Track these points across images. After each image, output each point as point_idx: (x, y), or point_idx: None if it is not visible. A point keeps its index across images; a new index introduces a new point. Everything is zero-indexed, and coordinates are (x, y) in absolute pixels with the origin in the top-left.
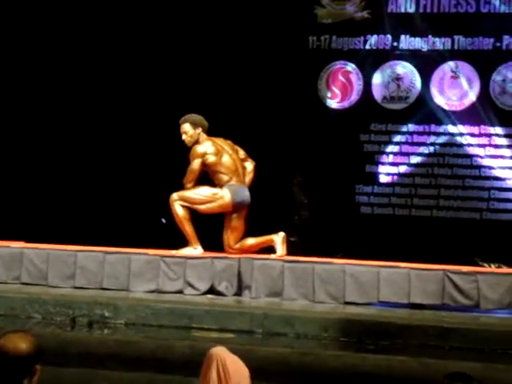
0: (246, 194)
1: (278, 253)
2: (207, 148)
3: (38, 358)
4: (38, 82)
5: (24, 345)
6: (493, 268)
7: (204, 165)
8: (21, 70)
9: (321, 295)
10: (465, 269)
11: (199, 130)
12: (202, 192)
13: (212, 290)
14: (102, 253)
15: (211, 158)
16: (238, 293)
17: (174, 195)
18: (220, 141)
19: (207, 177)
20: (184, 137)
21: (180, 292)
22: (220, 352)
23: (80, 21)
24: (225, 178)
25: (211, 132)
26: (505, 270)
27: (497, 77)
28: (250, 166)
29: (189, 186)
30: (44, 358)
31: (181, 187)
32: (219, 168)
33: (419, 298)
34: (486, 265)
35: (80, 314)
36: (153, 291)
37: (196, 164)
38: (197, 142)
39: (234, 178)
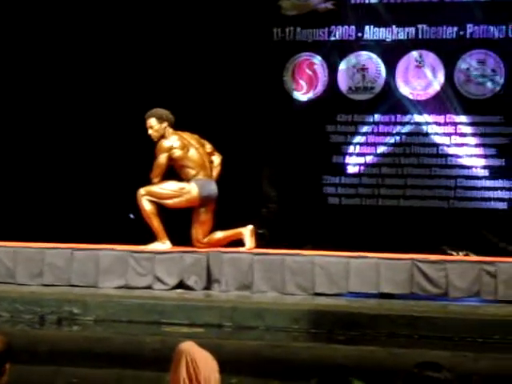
0: (213, 188)
1: (247, 246)
2: (173, 142)
3: (7, 356)
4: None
5: None
6: (461, 256)
7: (170, 159)
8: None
9: (291, 287)
10: (433, 257)
11: (165, 125)
12: (169, 187)
13: (181, 285)
14: (69, 249)
15: (178, 153)
16: (208, 287)
17: (141, 190)
18: (186, 135)
19: (174, 171)
20: (150, 131)
21: (149, 287)
22: (189, 347)
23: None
24: (192, 172)
25: (177, 126)
26: (473, 258)
27: (461, 65)
28: (217, 159)
29: (156, 180)
30: (13, 357)
31: (148, 182)
32: (186, 162)
33: (388, 287)
34: (454, 253)
35: (49, 311)
36: (122, 287)
37: (162, 158)
38: (163, 136)
39: (200, 172)
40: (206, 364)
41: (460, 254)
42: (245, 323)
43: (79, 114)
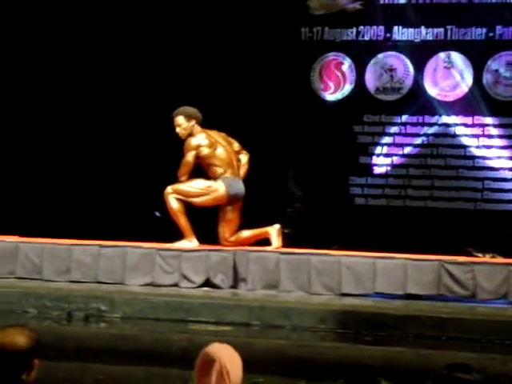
0: (240, 187)
1: (274, 245)
2: (201, 140)
3: (35, 352)
4: (27, 72)
5: (22, 340)
6: (488, 258)
7: (198, 157)
8: (14, 62)
9: (317, 287)
10: (461, 259)
11: (193, 123)
12: (197, 185)
13: (208, 283)
14: (97, 246)
15: (205, 151)
16: (234, 285)
17: (169, 188)
18: (214, 133)
19: (202, 170)
20: (178, 129)
21: (175, 285)
22: (219, 352)
23: (75, 13)
24: (219, 170)
25: (205, 124)
26: (501, 260)
27: (490, 67)
28: (244, 158)
29: (183, 178)
30: (40, 353)
31: (175, 180)
32: (213, 160)
33: (415, 288)
34: (480, 255)
35: (76, 308)
36: (148, 284)
37: (190, 157)
38: (191, 134)
39: (228, 171)
40: (236, 367)
41: (486, 256)
42: (272, 322)
43: (111, 112)
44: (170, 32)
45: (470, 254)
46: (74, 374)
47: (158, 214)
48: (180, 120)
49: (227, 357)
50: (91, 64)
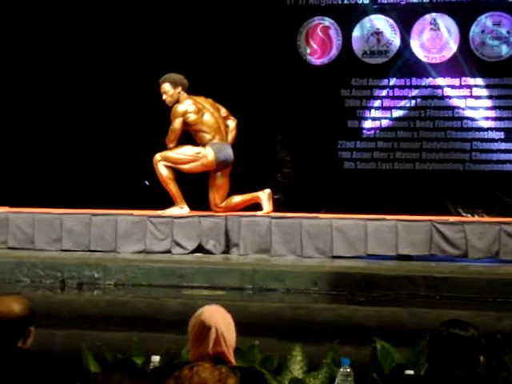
0: (229, 152)
1: (265, 209)
2: (188, 107)
3: (31, 320)
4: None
5: (17, 307)
6: (479, 217)
7: (185, 124)
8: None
9: (309, 250)
10: (452, 219)
11: (179, 89)
12: (185, 151)
13: (200, 249)
14: (88, 215)
15: (192, 117)
16: (226, 251)
17: (157, 156)
18: (201, 99)
19: (190, 136)
20: (164, 96)
21: (168, 252)
22: (214, 319)
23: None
24: (207, 136)
25: (192, 91)
26: (491, 218)
27: (476, 28)
28: (232, 123)
29: (171, 145)
30: (36, 321)
31: (163, 147)
32: (201, 127)
33: (407, 249)
34: (469, 215)
35: (69, 276)
36: (141, 252)
37: (177, 123)
38: (177, 101)
39: (216, 137)
40: (231, 331)
41: (476, 216)
42: (265, 286)
43: (97, 82)
44: (159, 2)
45: (459, 215)
46: (70, 340)
47: (147, 182)
48: (166, 87)
49: (222, 322)
50: (81, 37)
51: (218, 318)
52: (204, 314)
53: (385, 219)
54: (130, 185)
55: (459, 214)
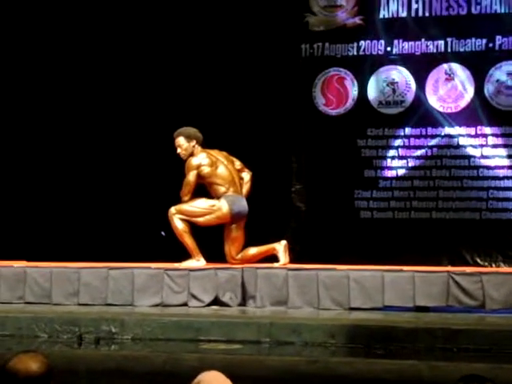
0: (243, 204)
1: (281, 261)
2: (202, 159)
3: (49, 377)
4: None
5: (35, 365)
6: (496, 268)
7: (200, 177)
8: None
9: (326, 302)
10: (469, 269)
11: (193, 143)
12: (200, 204)
13: (216, 302)
14: (105, 269)
15: (206, 169)
16: (243, 303)
17: (172, 209)
18: (215, 152)
19: (205, 189)
20: (179, 150)
21: (185, 305)
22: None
23: (85, 30)
24: (221, 189)
25: (206, 144)
26: (509, 269)
27: (491, 77)
28: (246, 176)
29: (186, 198)
30: (54, 377)
31: (178, 200)
32: (215, 179)
33: (424, 300)
34: (486, 264)
35: (86, 330)
36: (157, 305)
37: (191, 176)
38: (192, 154)
39: (230, 189)
40: None
41: (493, 265)
42: (282, 339)
43: (112, 135)
44: (172, 52)
45: (477, 264)
46: None
47: (163, 233)
48: (181, 141)
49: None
50: (93, 86)
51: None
52: (202, 382)
53: (402, 270)
54: (146, 237)
55: (476, 263)
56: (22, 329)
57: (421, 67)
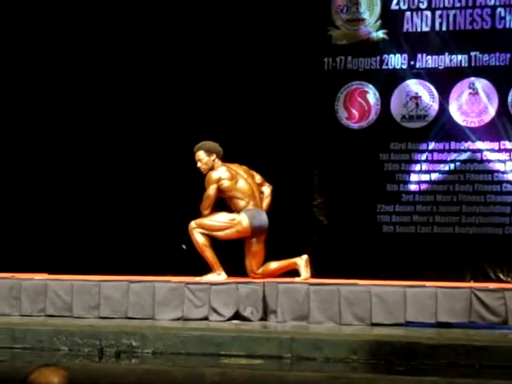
0: (263, 218)
1: (303, 276)
2: (221, 173)
3: None
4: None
5: (56, 379)
6: None
7: (220, 190)
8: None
9: (347, 317)
10: (492, 286)
11: (214, 157)
12: (220, 218)
13: (237, 316)
14: (126, 282)
15: (226, 183)
16: (264, 318)
17: (192, 223)
18: (235, 166)
19: (225, 203)
20: (199, 164)
21: (205, 319)
22: None
23: (91, 36)
24: (241, 203)
25: (227, 158)
26: None
27: None
28: (267, 190)
29: (206, 212)
30: None
31: (199, 214)
32: (235, 193)
33: (446, 316)
34: (509, 279)
35: (107, 344)
36: (178, 319)
37: (211, 190)
38: (212, 168)
39: (250, 203)
40: None
41: None
42: (303, 354)
43: (133, 149)
44: (194, 66)
45: (500, 280)
46: None
47: (184, 246)
48: (201, 155)
49: None
50: (114, 100)
51: None
52: None
53: (424, 286)
54: (167, 250)
55: (499, 279)
56: (42, 342)
57: (444, 81)
